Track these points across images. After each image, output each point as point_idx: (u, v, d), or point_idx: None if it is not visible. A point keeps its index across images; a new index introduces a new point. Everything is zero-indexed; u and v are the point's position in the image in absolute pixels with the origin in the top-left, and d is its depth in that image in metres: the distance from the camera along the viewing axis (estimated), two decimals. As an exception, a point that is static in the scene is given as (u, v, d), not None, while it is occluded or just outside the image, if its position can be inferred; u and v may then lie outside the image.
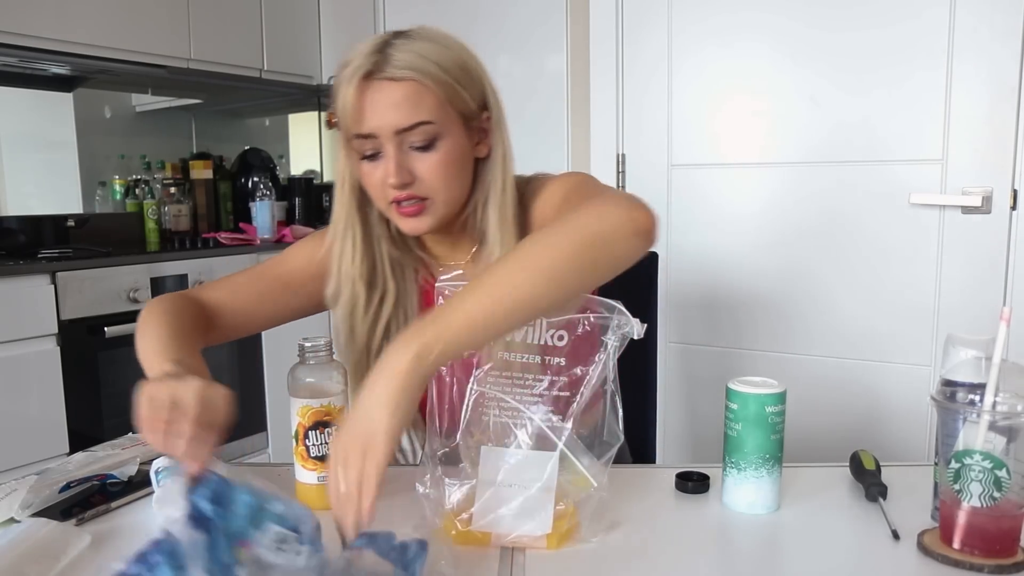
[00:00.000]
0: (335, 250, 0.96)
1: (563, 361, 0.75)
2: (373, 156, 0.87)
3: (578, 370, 0.74)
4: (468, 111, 0.89)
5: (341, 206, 0.95)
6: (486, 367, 0.75)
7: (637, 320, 0.73)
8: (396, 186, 0.86)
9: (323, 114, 3.35)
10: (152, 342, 0.84)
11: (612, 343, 0.73)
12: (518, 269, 0.71)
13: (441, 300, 0.76)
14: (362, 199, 0.94)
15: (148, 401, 0.70)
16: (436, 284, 0.78)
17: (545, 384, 0.74)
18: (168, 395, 0.69)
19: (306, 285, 1.01)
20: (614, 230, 0.74)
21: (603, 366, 0.73)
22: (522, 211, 0.94)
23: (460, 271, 0.78)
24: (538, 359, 0.75)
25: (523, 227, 0.94)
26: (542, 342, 0.75)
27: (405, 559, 0.60)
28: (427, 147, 0.87)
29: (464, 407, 0.75)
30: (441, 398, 0.76)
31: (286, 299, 1.02)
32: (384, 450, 0.65)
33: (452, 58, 0.88)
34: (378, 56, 0.84)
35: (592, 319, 0.75)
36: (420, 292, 0.99)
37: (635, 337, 0.73)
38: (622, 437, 0.74)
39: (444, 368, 0.75)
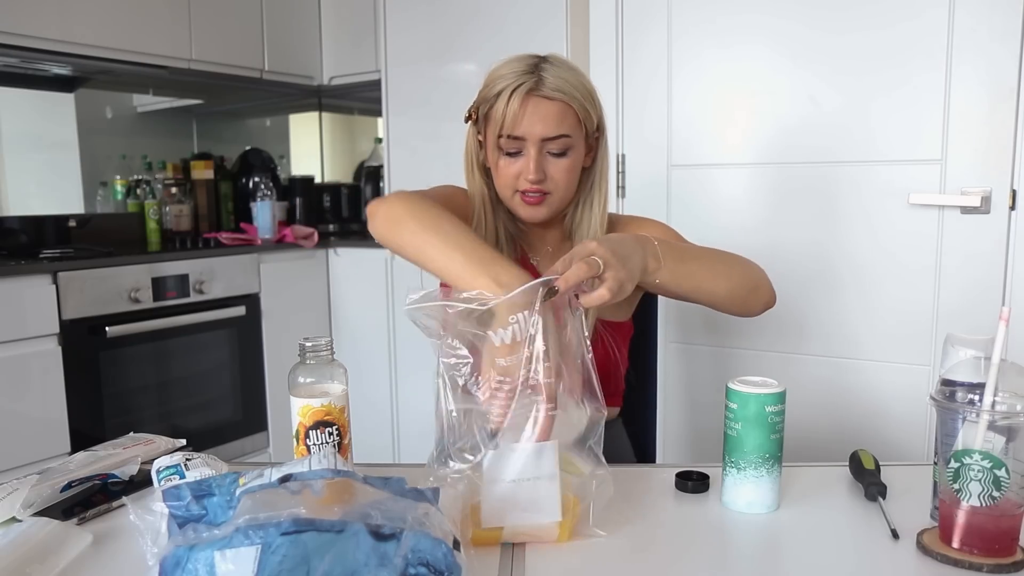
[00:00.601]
0: (474, 217, 1.14)
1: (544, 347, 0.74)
2: (514, 154, 1.06)
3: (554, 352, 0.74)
4: (591, 129, 1.09)
5: (474, 184, 1.15)
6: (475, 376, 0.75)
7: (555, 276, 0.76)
8: (533, 181, 1.06)
9: (316, 114, 3.35)
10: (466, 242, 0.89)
11: (577, 314, 0.76)
12: (723, 271, 1.00)
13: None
14: (486, 180, 1.14)
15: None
16: (405, 308, 0.77)
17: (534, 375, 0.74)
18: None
19: None
20: (766, 292, 1.04)
21: (577, 342, 0.75)
22: (609, 228, 1.15)
23: (426, 292, 0.76)
24: (526, 352, 0.74)
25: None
26: (531, 332, 0.74)
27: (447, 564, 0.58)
28: (561, 154, 1.06)
29: (448, 416, 0.74)
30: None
31: None
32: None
33: (586, 85, 1.07)
34: (535, 77, 1.03)
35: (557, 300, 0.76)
36: (517, 260, 1.14)
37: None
38: (605, 411, 0.76)
39: (445, 365, 0.75)
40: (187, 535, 0.57)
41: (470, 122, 1.13)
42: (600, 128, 1.12)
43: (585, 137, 1.09)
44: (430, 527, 0.57)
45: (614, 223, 1.18)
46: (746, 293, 1.02)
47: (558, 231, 1.18)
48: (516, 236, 1.18)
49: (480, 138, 1.12)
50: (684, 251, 0.98)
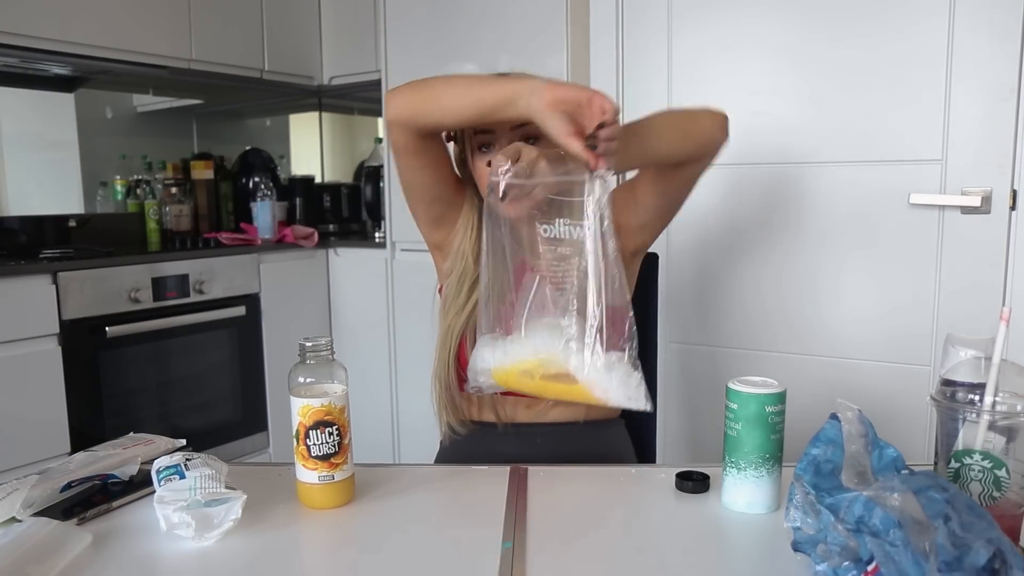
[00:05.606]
0: (458, 231, 1.14)
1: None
2: (487, 149, 1.08)
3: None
4: None
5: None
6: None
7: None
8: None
9: (316, 114, 3.35)
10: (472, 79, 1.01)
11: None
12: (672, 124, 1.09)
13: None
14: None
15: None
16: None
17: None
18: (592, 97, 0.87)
19: (449, 196, 1.15)
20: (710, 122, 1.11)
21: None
22: None
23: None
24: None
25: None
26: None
27: None
28: (537, 140, 1.03)
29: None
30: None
31: (442, 176, 1.13)
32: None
33: None
34: None
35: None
36: (514, 270, 1.08)
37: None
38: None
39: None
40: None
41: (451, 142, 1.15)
42: None
43: None
44: None
45: None
46: (698, 131, 1.08)
47: None
48: (514, 248, 1.12)
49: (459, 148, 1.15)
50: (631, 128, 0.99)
